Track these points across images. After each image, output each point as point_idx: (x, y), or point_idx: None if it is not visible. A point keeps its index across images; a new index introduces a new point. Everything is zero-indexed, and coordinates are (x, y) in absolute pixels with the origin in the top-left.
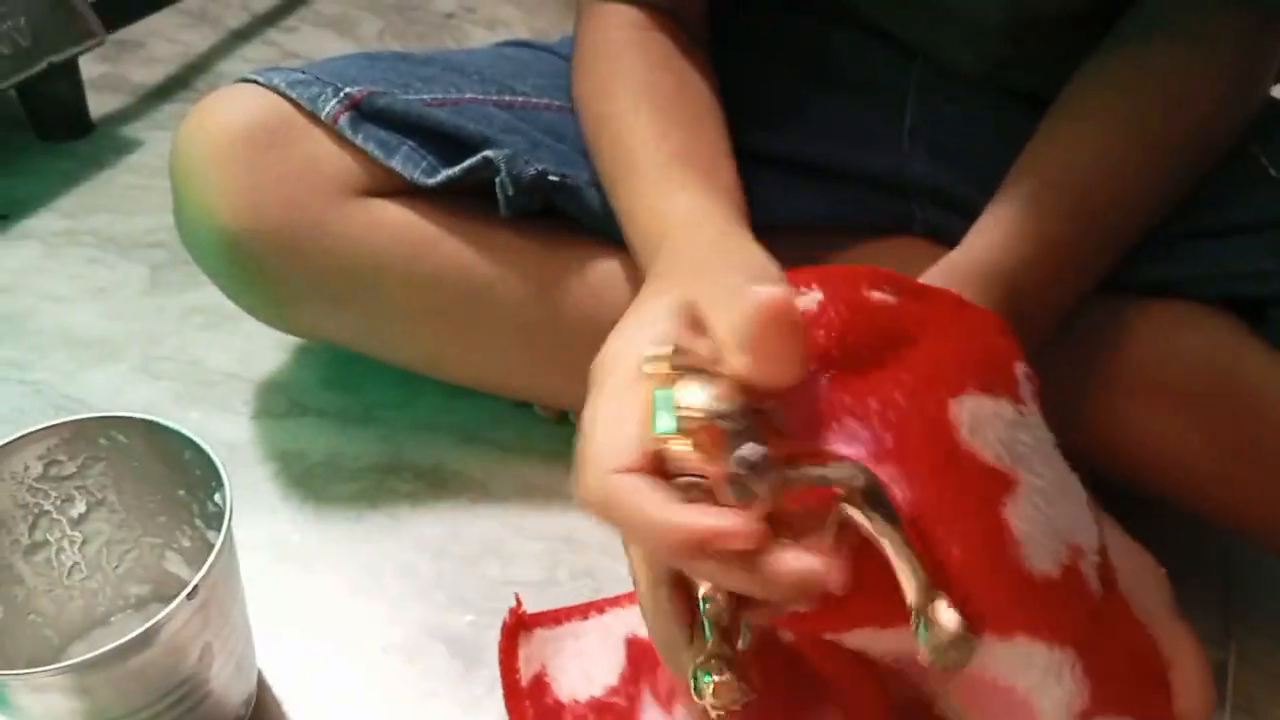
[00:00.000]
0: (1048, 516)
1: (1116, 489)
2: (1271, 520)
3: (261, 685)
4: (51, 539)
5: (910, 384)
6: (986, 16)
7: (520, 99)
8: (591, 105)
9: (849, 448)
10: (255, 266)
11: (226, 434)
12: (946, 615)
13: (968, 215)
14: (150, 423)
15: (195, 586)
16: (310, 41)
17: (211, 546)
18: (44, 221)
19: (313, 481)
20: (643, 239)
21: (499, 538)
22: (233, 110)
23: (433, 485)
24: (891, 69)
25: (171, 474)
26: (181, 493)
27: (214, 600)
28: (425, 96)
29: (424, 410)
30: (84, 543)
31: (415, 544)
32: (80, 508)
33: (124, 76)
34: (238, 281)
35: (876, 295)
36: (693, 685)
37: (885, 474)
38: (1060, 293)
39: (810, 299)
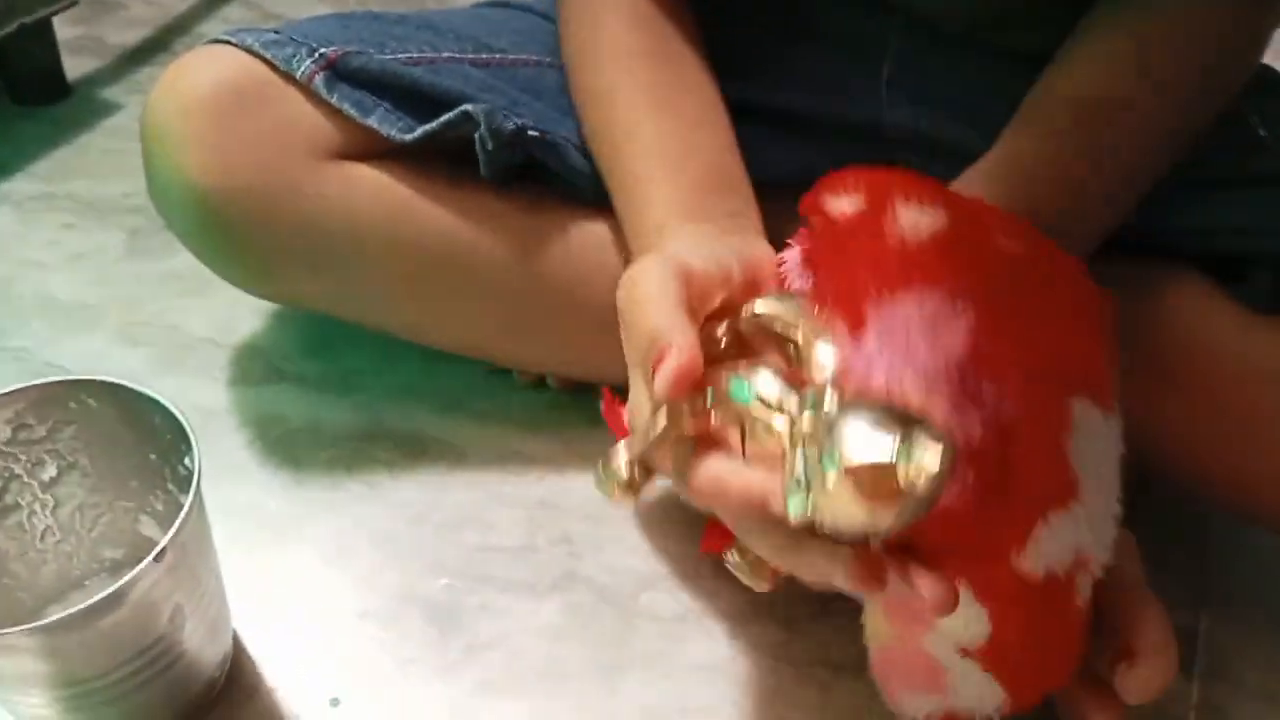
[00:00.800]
0: (1075, 538)
1: None
2: (1243, 487)
3: (238, 648)
4: (23, 502)
5: (1034, 370)
6: None
7: (497, 56)
8: (577, 76)
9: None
10: (228, 229)
11: (204, 400)
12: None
13: (957, 157)
14: (119, 386)
15: (163, 548)
16: (290, 1)
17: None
18: (19, 186)
19: (291, 448)
20: (634, 231)
21: (477, 504)
22: (205, 71)
23: (411, 453)
24: (871, 23)
25: (142, 438)
26: (153, 456)
27: (184, 562)
28: (401, 55)
29: (403, 377)
30: (56, 506)
31: (392, 511)
32: (51, 471)
33: (101, 38)
34: (211, 245)
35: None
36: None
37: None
38: (1080, 208)
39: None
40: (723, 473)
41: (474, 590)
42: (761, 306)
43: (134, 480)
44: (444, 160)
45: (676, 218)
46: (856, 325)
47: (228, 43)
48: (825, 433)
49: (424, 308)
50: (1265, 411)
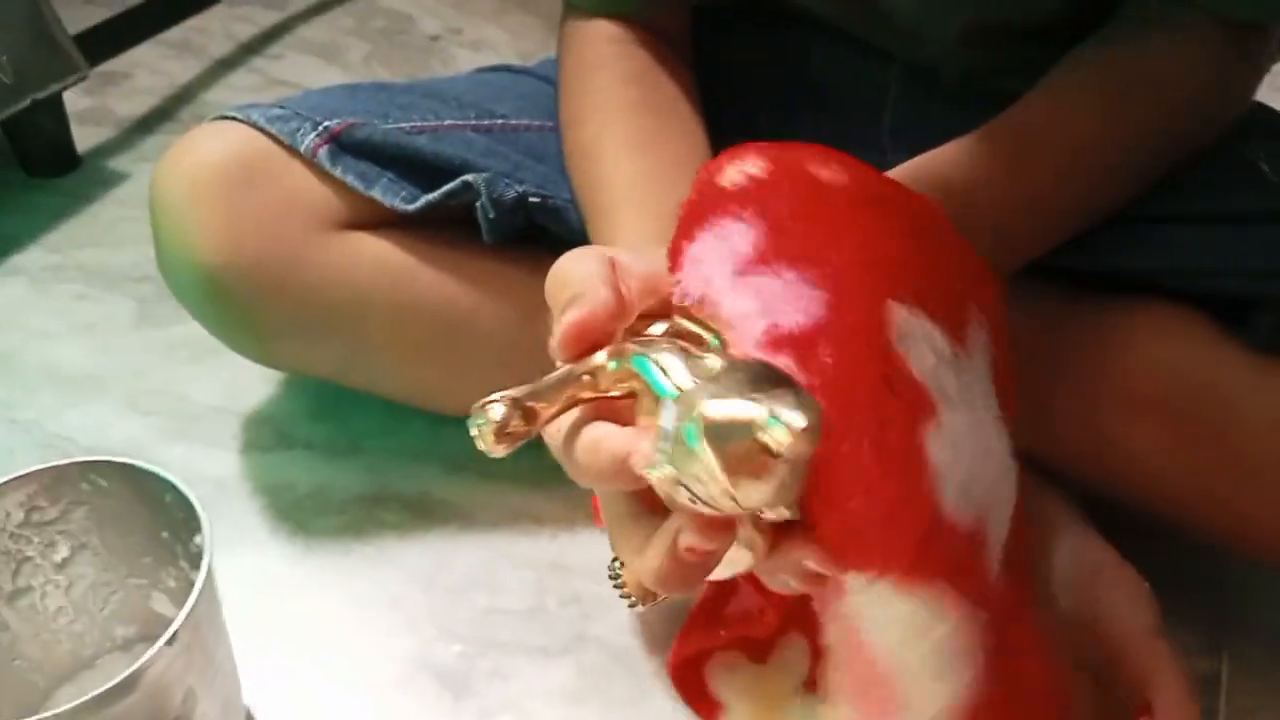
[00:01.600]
0: (964, 468)
1: (1100, 501)
2: (1255, 533)
3: None
4: (35, 584)
5: (855, 265)
6: (943, 30)
7: (499, 122)
8: (567, 133)
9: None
10: (235, 303)
11: (214, 469)
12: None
13: None
14: (130, 466)
15: (175, 632)
16: (296, 68)
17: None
18: (31, 257)
19: (300, 514)
20: None
21: (486, 567)
22: (211, 147)
23: (419, 515)
24: (870, 74)
25: (154, 515)
26: (165, 534)
27: (196, 643)
28: (405, 124)
29: (410, 439)
30: (69, 586)
31: (403, 575)
32: (64, 552)
33: (108, 109)
34: (219, 318)
35: (825, 173)
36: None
37: (799, 345)
38: (1001, 213)
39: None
40: (602, 434)
41: (485, 654)
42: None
43: (146, 557)
44: (448, 226)
45: (635, 241)
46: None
47: (232, 118)
48: (695, 395)
49: (428, 373)
50: (1272, 458)
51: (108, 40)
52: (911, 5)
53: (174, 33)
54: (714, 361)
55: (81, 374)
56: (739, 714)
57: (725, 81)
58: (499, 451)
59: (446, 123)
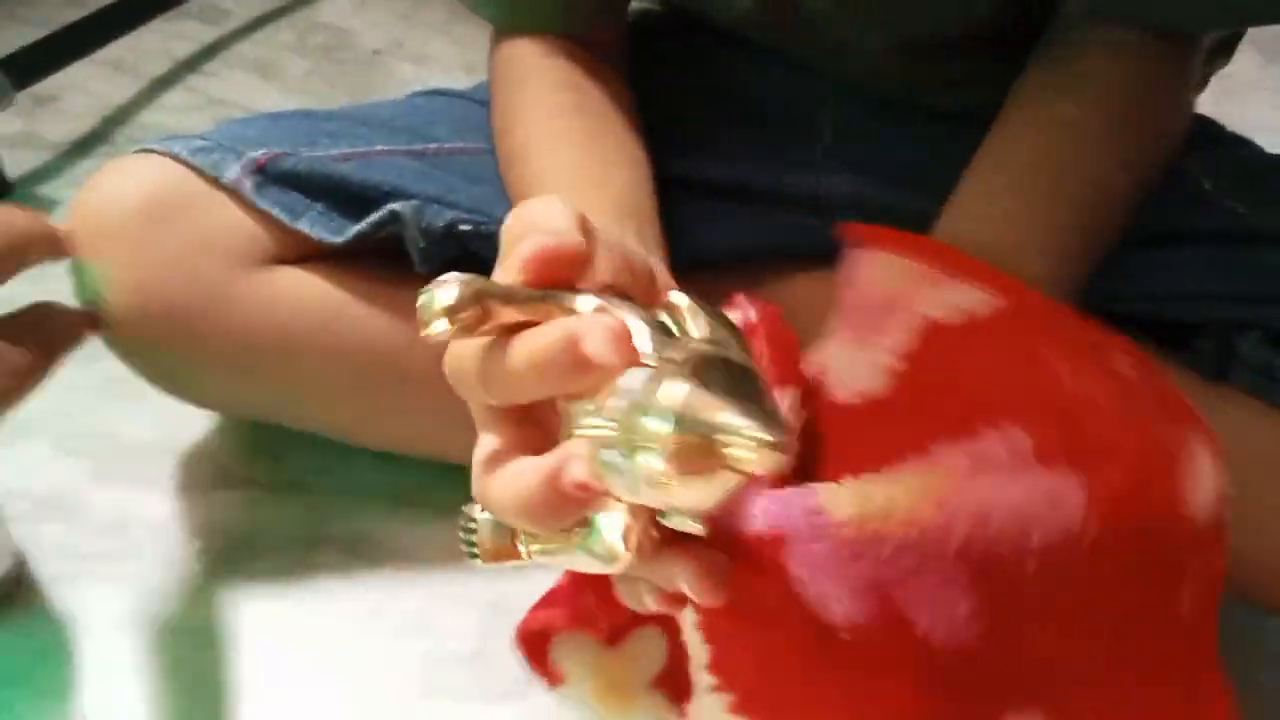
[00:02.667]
0: None
1: None
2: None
3: None
4: None
5: None
6: (870, 45)
7: (433, 146)
8: (499, 143)
9: None
10: (153, 345)
11: (150, 511)
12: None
13: (895, 223)
14: None
15: None
16: (233, 86)
17: None
18: None
19: (237, 557)
20: None
21: (428, 609)
22: (126, 182)
23: (359, 555)
24: (804, 90)
25: None
26: None
27: None
28: (333, 152)
29: (352, 476)
30: None
31: (341, 620)
32: None
33: (40, 134)
34: (136, 360)
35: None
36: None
37: None
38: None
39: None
40: (543, 336)
41: (428, 698)
42: (678, 298)
43: None
44: (382, 257)
45: None
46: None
47: (154, 151)
48: (677, 371)
49: (359, 411)
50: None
51: (37, 60)
52: (838, 23)
53: (108, 52)
54: (695, 347)
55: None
56: (583, 691)
57: (659, 101)
58: (438, 335)
59: (378, 148)
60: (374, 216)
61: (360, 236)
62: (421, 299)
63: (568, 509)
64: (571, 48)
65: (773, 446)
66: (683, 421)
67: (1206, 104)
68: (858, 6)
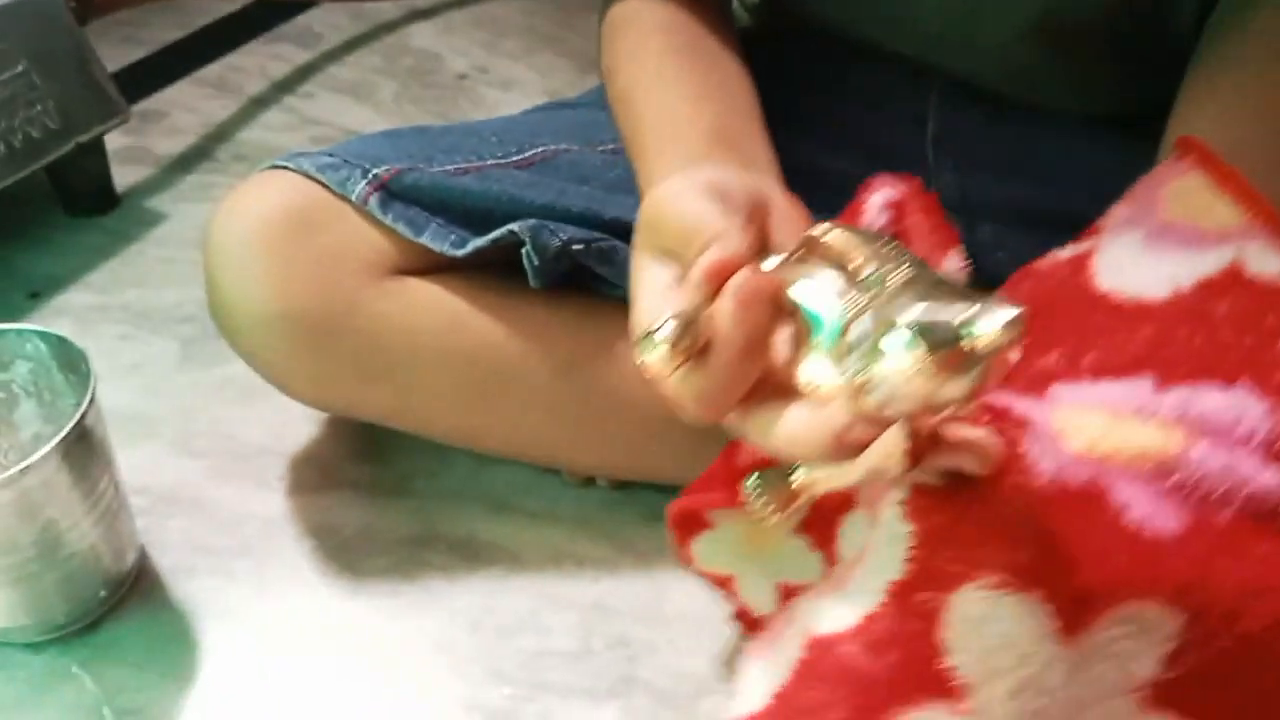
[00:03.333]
0: None
1: None
2: None
3: None
4: None
5: None
6: (983, 40)
7: (539, 151)
8: (607, 87)
9: None
10: (292, 349)
11: (263, 509)
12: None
13: (1004, 218)
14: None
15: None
16: (328, 107)
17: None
18: (76, 298)
19: (347, 555)
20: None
21: (533, 608)
22: (265, 197)
23: (465, 556)
24: (911, 85)
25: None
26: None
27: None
28: (449, 166)
29: (455, 479)
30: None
31: (450, 617)
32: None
33: (147, 148)
34: (273, 364)
35: None
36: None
37: None
38: None
39: None
40: (810, 431)
41: (533, 697)
42: (832, 237)
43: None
44: (497, 268)
45: (689, 161)
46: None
47: (284, 167)
48: (891, 305)
49: (475, 416)
50: None
51: (145, 79)
52: (950, 14)
53: (210, 71)
54: (883, 271)
55: (130, 415)
56: (729, 534)
57: (771, 78)
58: (664, 373)
59: (489, 162)
60: (495, 234)
61: (478, 251)
62: (643, 340)
63: (855, 451)
64: (691, 6)
65: (1010, 323)
66: (929, 335)
67: None
68: None
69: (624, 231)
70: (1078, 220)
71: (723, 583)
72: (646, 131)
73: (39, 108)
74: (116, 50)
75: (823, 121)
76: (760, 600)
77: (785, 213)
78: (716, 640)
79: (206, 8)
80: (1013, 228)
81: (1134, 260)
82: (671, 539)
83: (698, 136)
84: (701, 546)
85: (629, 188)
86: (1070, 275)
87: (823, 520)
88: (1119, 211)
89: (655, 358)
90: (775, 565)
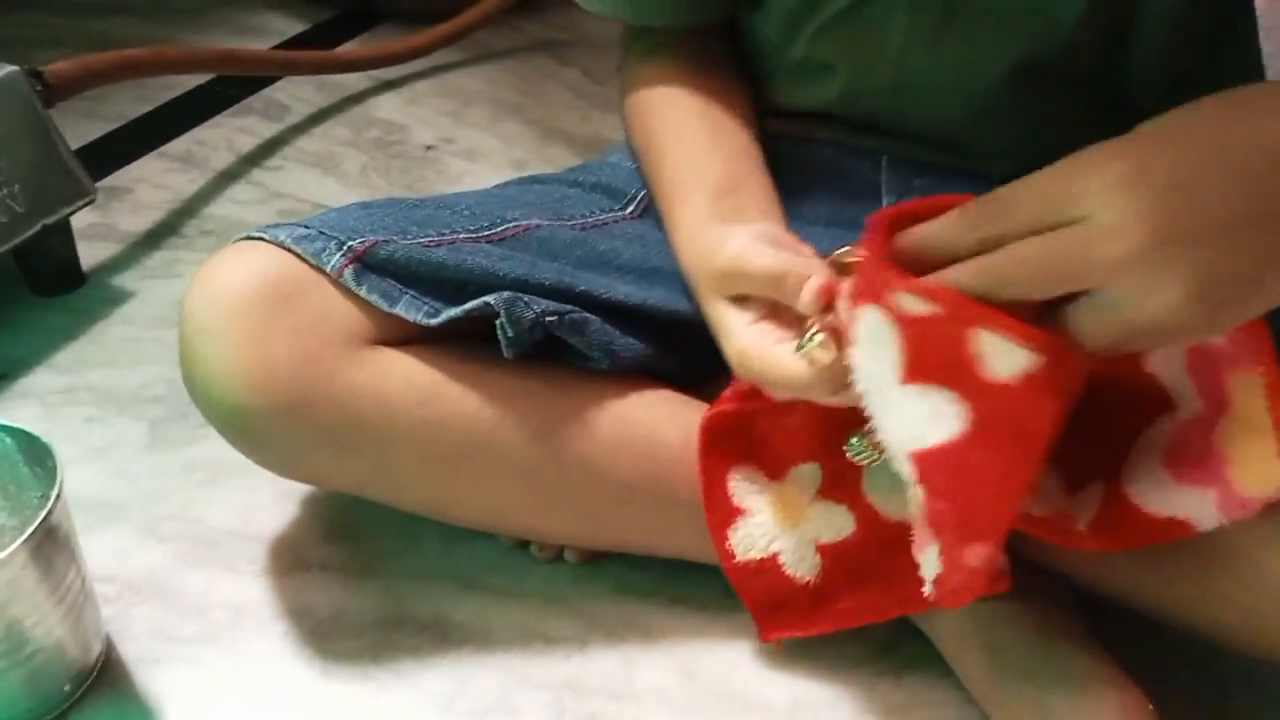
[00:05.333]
0: None
1: (1104, 610)
2: (1206, 614)
3: None
4: None
5: None
6: (984, 80)
7: (511, 227)
8: (630, 138)
9: None
10: (267, 422)
11: (234, 594)
12: None
13: None
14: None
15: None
16: (295, 180)
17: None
18: (41, 380)
19: (318, 639)
20: (682, 233)
21: (504, 688)
22: (241, 268)
23: (435, 637)
24: (862, 158)
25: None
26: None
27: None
28: (423, 239)
29: (424, 558)
30: None
31: (421, 699)
32: None
33: (112, 225)
34: (249, 436)
35: None
36: None
37: None
38: None
39: None
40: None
41: None
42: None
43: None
44: (470, 337)
45: (712, 217)
46: None
47: (258, 238)
48: None
49: (449, 486)
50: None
51: (109, 154)
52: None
53: (176, 145)
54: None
55: (97, 500)
56: (762, 516)
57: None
58: (824, 359)
59: (462, 235)
60: (469, 305)
61: (452, 320)
62: (805, 343)
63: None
64: (678, 41)
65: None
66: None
67: None
68: (947, 44)
69: (594, 304)
70: None
71: (757, 573)
72: (666, 180)
73: (4, 191)
74: (79, 125)
75: (785, 194)
76: (805, 567)
77: (798, 250)
78: (687, 714)
79: (170, 82)
80: None
81: None
82: (711, 536)
83: (715, 185)
84: (739, 536)
85: (597, 263)
86: None
87: (840, 479)
88: None
89: (820, 352)
90: (811, 530)
